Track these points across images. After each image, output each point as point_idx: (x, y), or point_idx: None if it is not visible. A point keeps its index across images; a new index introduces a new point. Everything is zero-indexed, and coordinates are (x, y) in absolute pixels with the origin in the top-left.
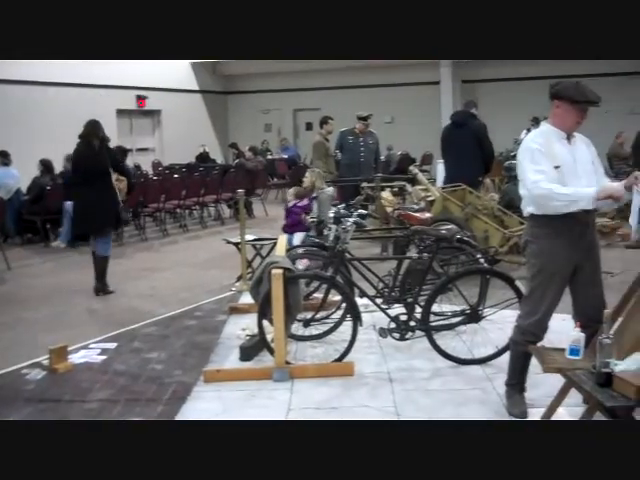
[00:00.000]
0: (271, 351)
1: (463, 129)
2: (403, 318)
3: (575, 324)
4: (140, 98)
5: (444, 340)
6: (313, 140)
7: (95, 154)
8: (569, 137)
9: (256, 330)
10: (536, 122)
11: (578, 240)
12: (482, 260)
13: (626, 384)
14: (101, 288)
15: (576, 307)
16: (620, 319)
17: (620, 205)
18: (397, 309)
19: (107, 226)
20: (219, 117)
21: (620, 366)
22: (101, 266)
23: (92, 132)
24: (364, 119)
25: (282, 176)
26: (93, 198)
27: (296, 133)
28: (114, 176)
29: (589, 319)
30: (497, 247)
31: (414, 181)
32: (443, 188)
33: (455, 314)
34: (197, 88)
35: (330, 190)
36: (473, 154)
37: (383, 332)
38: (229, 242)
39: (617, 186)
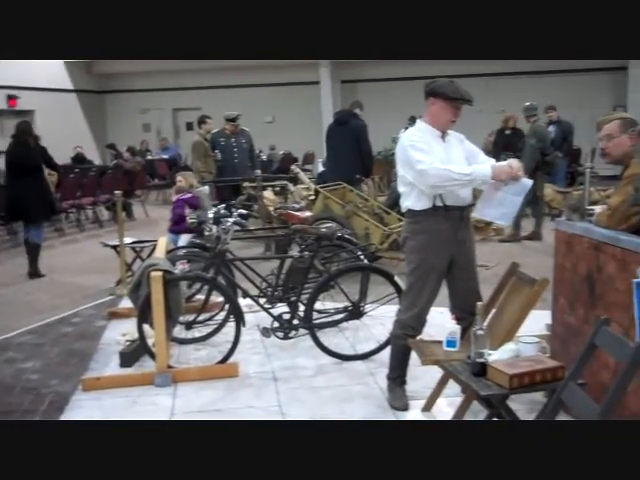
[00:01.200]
0: (152, 356)
1: (344, 128)
2: (286, 317)
3: (452, 317)
4: (11, 98)
5: (327, 337)
6: (192, 140)
7: (30, 151)
8: (443, 135)
9: (137, 335)
10: (413, 121)
11: (453, 235)
12: (363, 257)
13: (499, 373)
14: (34, 272)
15: (452, 300)
16: (493, 310)
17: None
18: (281, 308)
19: (41, 216)
20: (96, 117)
21: (493, 356)
22: (34, 253)
23: (27, 131)
24: (232, 120)
25: (162, 177)
26: (28, 190)
27: (176, 133)
28: (46, 171)
29: (465, 311)
30: (377, 244)
31: (296, 180)
32: (323, 187)
33: (337, 311)
34: (72, 87)
35: (206, 189)
36: (352, 153)
37: (266, 332)
38: (107, 245)
39: (510, 161)
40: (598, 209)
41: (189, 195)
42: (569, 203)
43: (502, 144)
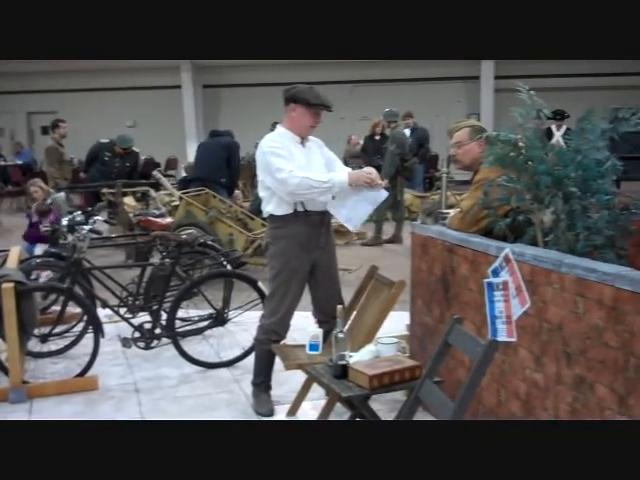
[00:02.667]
0: (5, 371)
1: (219, 139)
2: (148, 326)
3: (314, 320)
4: None
5: (191, 345)
6: (46, 145)
7: None
8: (303, 141)
9: None
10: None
11: (315, 240)
12: (226, 263)
13: (360, 374)
14: None
15: (315, 304)
16: (354, 313)
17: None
18: (142, 317)
19: None
20: None
21: (354, 358)
22: None
23: None
24: (125, 148)
25: (17, 183)
26: None
27: (31, 137)
28: None
29: (327, 315)
30: (241, 250)
31: (158, 186)
32: (185, 192)
33: (201, 319)
34: None
35: (62, 196)
36: (222, 162)
37: (127, 342)
38: None
39: (366, 169)
40: (452, 213)
41: (52, 217)
42: (423, 207)
43: (372, 149)
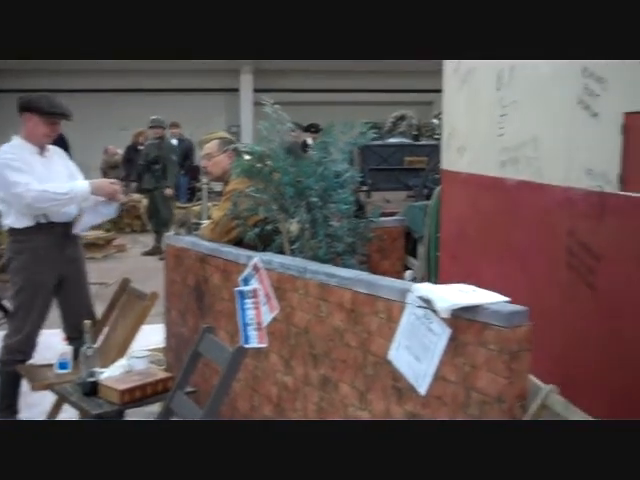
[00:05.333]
0: None
1: None
2: None
3: (63, 337)
4: None
5: None
6: None
7: None
8: (42, 151)
9: None
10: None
11: (60, 253)
12: None
13: (110, 390)
14: None
15: (64, 320)
16: (107, 327)
17: (113, 216)
18: None
19: None
20: None
21: (105, 374)
22: None
23: None
24: None
25: None
26: None
27: None
28: None
29: (77, 331)
30: None
31: None
32: None
33: None
34: None
35: None
36: None
37: None
38: None
39: (112, 180)
40: (205, 223)
41: None
42: (177, 218)
43: (135, 160)
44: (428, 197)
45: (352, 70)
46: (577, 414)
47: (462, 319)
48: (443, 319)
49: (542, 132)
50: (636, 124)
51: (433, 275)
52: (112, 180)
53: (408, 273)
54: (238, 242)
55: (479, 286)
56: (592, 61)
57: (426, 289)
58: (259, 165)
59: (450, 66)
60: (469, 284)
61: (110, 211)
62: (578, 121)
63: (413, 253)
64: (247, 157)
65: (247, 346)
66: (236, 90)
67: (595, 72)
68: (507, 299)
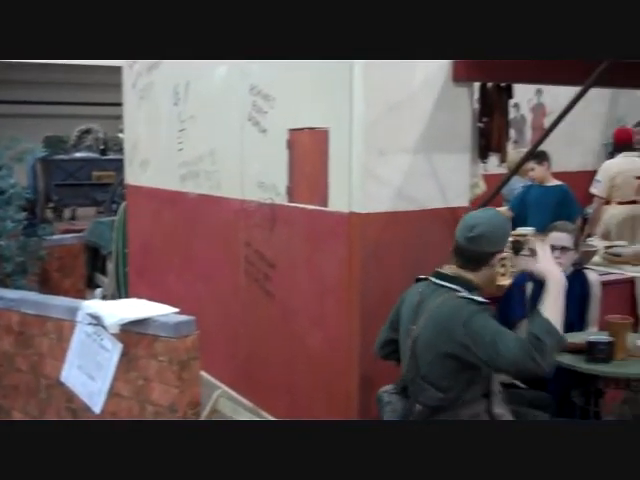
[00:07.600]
0: None
1: None
2: None
3: None
4: None
5: None
6: None
7: None
8: None
9: None
10: None
11: None
12: None
13: None
14: None
15: None
16: None
17: None
18: None
19: None
20: None
21: None
22: None
23: None
24: None
25: None
26: None
27: None
28: None
29: None
30: None
31: None
32: None
33: None
34: None
35: None
36: None
37: None
38: None
39: None
40: None
41: None
42: None
43: None
44: (117, 212)
45: (35, 81)
46: (245, 415)
47: (133, 333)
48: (114, 334)
49: (218, 147)
50: (299, 139)
51: (123, 291)
52: None
53: (98, 291)
54: None
55: (167, 298)
56: (260, 79)
57: (95, 306)
58: None
59: (129, 81)
60: (156, 298)
61: None
62: (249, 136)
63: (103, 270)
64: None
65: None
66: None
67: (262, 90)
68: (176, 310)
